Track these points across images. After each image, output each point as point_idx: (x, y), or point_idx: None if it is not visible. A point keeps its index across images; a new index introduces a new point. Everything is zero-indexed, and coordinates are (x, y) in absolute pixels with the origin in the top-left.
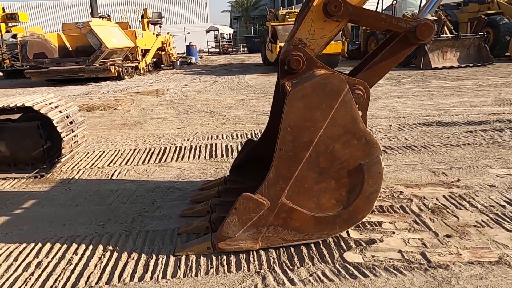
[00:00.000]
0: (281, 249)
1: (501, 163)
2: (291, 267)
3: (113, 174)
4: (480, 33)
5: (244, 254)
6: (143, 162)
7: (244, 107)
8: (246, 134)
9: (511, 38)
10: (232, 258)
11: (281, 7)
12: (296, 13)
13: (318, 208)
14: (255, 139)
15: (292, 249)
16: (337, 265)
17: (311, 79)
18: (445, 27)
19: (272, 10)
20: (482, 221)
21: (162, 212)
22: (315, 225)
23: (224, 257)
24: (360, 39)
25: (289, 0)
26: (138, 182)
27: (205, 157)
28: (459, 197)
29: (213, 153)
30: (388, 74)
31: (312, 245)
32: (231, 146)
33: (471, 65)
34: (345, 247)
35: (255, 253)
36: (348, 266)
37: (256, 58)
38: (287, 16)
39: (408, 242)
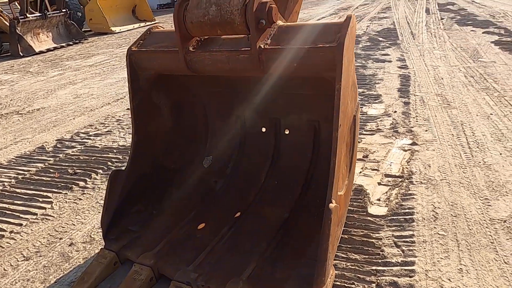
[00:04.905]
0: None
1: None
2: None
3: None
4: (63, 10)
5: None
6: None
7: None
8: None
9: (83, 14)
10: None
11: None
12: None
13: (343, 184)
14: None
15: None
16: None
17: (337, 28)
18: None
19: None
20: None
21: None
22: (345, 204)
23: None
24: None
25: None
26: None
27: None
28: None
29: None
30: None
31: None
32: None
33: (71, 43)
34: None
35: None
36: None
37: None
38: None
39: None
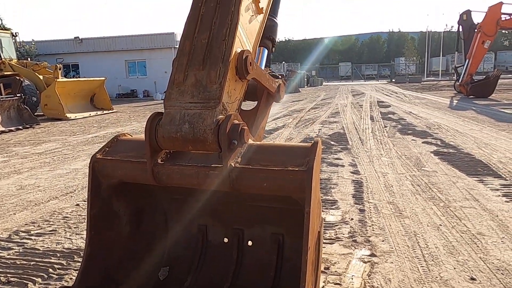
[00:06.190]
0: None
1: None
2: None
3: None
4: (18, 95)
5: None
6: None
7: None
8: None
9: (38, 99)
10: None
11: None
12: None
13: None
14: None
15: None
16: None
17: (306, 151)
18: None
19: None
20: None
21: None
22: None
23: None
24: None
25: None
26: None
27: None
28: None
29: None
30: None
31: None
32: None
33: (20, 128)
34: None
35: None
36: None
37: None
38: None
39: None
